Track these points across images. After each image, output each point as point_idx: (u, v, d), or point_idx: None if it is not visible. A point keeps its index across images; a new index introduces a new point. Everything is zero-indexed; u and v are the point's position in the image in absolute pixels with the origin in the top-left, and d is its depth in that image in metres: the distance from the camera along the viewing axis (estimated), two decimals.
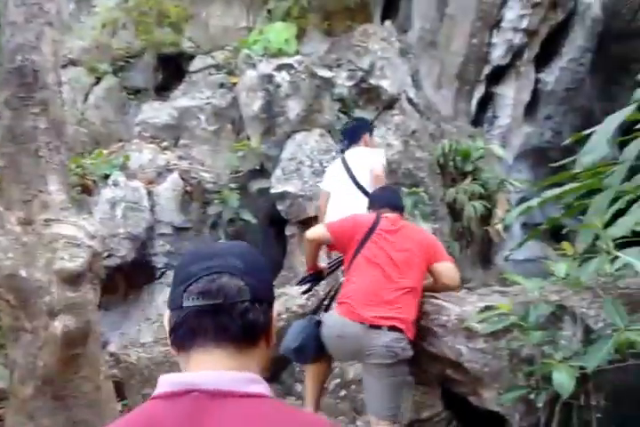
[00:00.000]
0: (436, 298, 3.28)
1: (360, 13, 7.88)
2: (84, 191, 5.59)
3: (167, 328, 1.12)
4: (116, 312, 5.73)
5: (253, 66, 6.08)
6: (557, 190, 3.13)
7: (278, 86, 5.94)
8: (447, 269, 3.44)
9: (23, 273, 3.03)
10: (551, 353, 2.63)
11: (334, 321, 3.29)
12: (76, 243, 3.31)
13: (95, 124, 6.92)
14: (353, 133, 5.07)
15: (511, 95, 8.62)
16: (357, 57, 6.87)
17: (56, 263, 3.06)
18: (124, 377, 4.31)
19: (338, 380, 4.41)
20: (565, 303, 2.88)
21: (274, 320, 1.16)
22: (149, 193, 5.82)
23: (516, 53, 8.42)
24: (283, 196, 5.63)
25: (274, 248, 6.31)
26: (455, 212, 6.74)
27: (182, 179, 5.95)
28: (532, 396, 2.61)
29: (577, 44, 8.58)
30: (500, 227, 6.82)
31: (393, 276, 3.28)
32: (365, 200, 4.29)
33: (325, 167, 5.61)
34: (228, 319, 1.07)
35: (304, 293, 4.14)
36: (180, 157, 6.21)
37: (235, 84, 6.44)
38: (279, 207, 5.70)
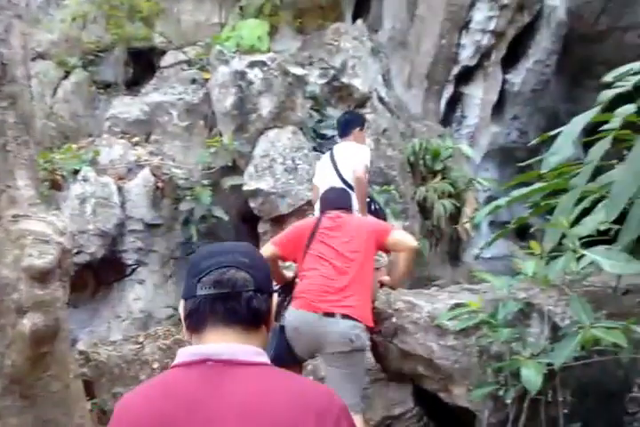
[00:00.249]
0: (408, 296, 3.34)
1: (331, 12, 7.91)
2: (53, 187, 5.50)
3: (182, 315, 1.32)
4: (85, 310, 5.66)
5: (226, 62, 6.05)
6: (524, 190, 3.19)
7: (251, 83, 5.93)
8: (399, 236, 3.59)
9: None
10: (519, 350, 2.69)
11: (291, 315, 3.41)
12: (45, 239, 3.27)
13: (64, 118, 6.81)
14: (344, 127, 5.09)
15: (479, 95, 8.74)
16: (329, 55, 6.90)
17: (24, 260, 3.01)
18: (94, 376, 4.26)
19: (311, 377, 4.44)
20: (533, 301, 2.95)
21: (272, 309, 1.35)
22: (120, 189, 5.74)
23: (484, 54, 8.55)
24: (255, 193, 5.62)
25: None
26: (425, 210, 6.82)
27: (153, 175, 5.89)
28: (500, 392, 2.67)
29: (542, 46, 8.74)
30: (468, 225, 6.92)
31: (341, 267, 3.41)
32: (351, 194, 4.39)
33: (298, 165, 5.65)
34: (237, 305, 1.28)
35: (279, 304, 4.18)
36: (152, 153, 6.15)
37: (207, 80, 6.40)
38: (252, 204, 5.69)
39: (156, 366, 4.34)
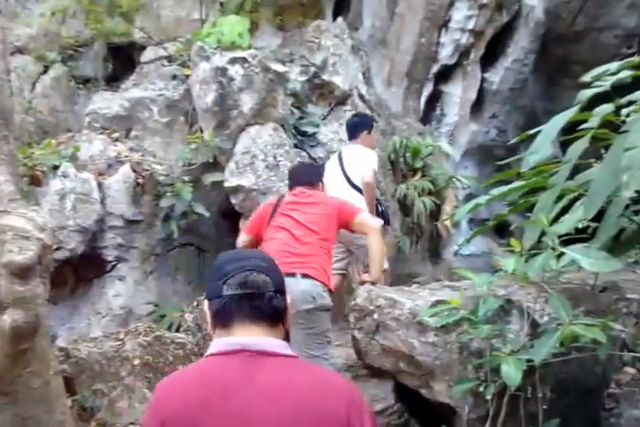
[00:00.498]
0: (390, 292, 3.37)
1: (312, 9, 7.91)
2: (32, 182, 5.45)
3: (208, 313, 1.51)
4: (65, 306, 5.62)
5: (207, 58, 6.02)
6: (504, 188, 3.23)
7: (232, 79, 5.90)
8: (365, 217, 3.87)
9: None
10: (499, 346, 2.72)
11: None
12: (26, 235, 3.24)
13: (43, 113, 6.73)
14: (353, 130, 5.28)
15: (458, 94, 8.81)
16: (310, 53, 6.90)
17: (4, 256, 2.98)
18: (74, 372, 4.23)
19: None
20: (512, 298, 2.99)
21: (289, 308, 1.53)
22: (100, 185, 5.70)
23: (463, 53, 8.61)
24: (236, 189, 5.61)
25: (227, 242, 6.30)
26: (406, 207, 6.86)
27: (134, 171, 5.85)
28: (481, 388, 2.70)
29: (521, 45, 8.83)
30: (448, 222, 6.98)
31: (300, 234, 3.64)
32: (357, 196, 4.80)
33: (279, 162, 5.65)
34: (261, 304, 1.46)
35: None
36: (132, 149, 6.10)
37: (188, 76, 6.37)
38: (233, 201, 5.68)
39: (136, 362, 4.32)
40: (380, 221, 4.06)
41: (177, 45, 6.94)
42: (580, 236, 3.00)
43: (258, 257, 1.55)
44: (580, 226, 3.22)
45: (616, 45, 9.17)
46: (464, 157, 9.05)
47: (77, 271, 5.75)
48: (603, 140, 2.98)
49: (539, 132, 3.00)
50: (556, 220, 2.82)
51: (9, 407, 3.20)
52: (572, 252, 2.59)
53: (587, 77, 3.00)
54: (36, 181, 5.49)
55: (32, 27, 7.15)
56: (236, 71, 5.92)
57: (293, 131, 6.17)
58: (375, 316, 3.21)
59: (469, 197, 7.30)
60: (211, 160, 5.92)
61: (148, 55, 6.99)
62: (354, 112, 6.64)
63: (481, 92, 8.91)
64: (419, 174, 7.08)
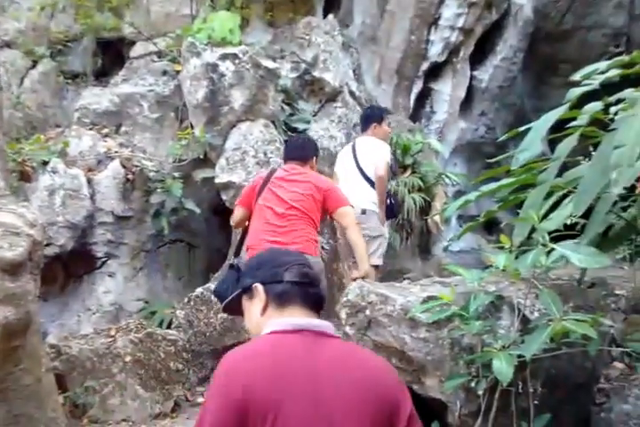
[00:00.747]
0: (381, 288, 3.38)
1: (302, 6, 7.90)
2: (22, 178, 5.41)
3: (262, 295, 1.68)
4: (54, 303, 5.59)
5: (197, 54, 6.00)
6: (494, 184, 3.25)
7: (222, 76, 5.90)
8: (349, 211, 4.00)
9: None
10: (491, 342, 2.74)
11: (243, 255, 3.88)
12: (16, 231, 3.23)
13: (31, 108, 6.68)
14: (364, 122, 5.43)
15: (448, 91, 8.84)
16: (301, 49, 6.90)
17: None
18: (66, 369, 4.22)
19: None
20: (503, 294, 3.01)
21: None
22: (89, 181, 5.67)
23: (453, 51, 8.65)
24: (227, 186, 5.61)
25: (218, 238, 6.31)
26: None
27: (124, 167, 5.83)
28: (472, 384, 2.72)
29: (510, 43, 8.88)
30: (438, 219, 7.02)
31: (283, 212, 3.85)
32: (368, 188, 4.99)
33: (270, 158, 5.66)
34: (315, 292, 1.71)
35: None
36: (122, 145, 6.08)
37: (178, 71, 6.35)
38: (223, 197, 5.67)
39: (128, 359, 4.32)
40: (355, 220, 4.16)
41: (167, 41, 6.92)
42: (568, 232, 3.03)
43: (299, 254, 1.94)
44: (568, 222, 3.25)
45: (604, 44, 9.25)
46: (453, 154, 9.09)
47: (67, 268, 5.72)
48: (591, 137, 3.01)
49: (528, 129, 3.01)
50: (545, 216, 2.84)
51: (0, 405, 3.19)
52: (563, 248, 2.61)
53: (577, 76, 3.02)
54: (25, 177, 5.45)
55: (21, 21, 7.10)
56: (226, 67, 5.91)
57: (284, 127, 6.18)
58: (367, 312, 3.22)
59: (458, 194, 7.33)
60: (201, 156, 5.91)
61: (137, 50, 6.96)
62: (344, 109, 6.68)
63: (470, 90, 8.95)
64: (409, 171, 7.10)
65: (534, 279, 2.86)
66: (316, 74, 6.75)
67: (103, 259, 5.80)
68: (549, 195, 2.96)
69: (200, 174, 5.91)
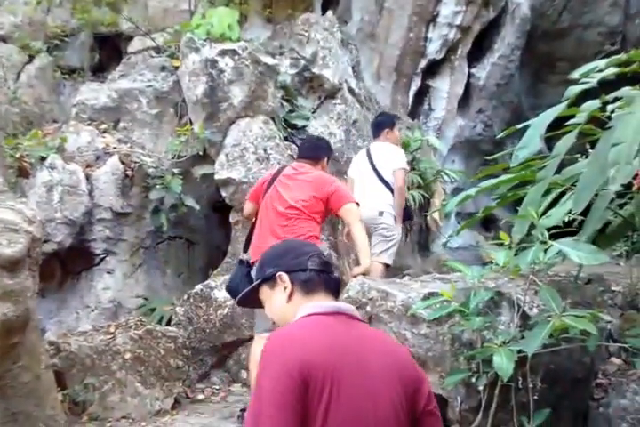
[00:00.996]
0: (382, 285, 3.40)
1: (301, 2, 7.90)
2: (20, 174, 5.38)
3: (289, 282, 1.77)
4: (53, 300, 5.56)
5: (196, 50, 5.98)
6: (493, 181, 3.28)
7: (222, 72, 5.88)
8: (353, 208, 4.05)
9: None
10: (491, 338, 2.76)
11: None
12: (14, 228, 3.23)
13: (28, 103, 6.63)
14: (375, 129, 5.64)
15: (446, 89, 8.87)
16: (300, 46, 6.89)
17: None
18: (65, 366, 4.21)
19: None
20: (502, 290, 3.03)
21: None
22: (88, 177, 5.63)
23: (451, 48, 8.67)
24: (227, 182, 5.59)
25: (217, 235, 6.31)
26: None
27: (122, 163, 5.79)
28: (473, 379, 2.74)
29: (507, 41, 8.91)
30: (437, 215, 7.04)
31: (283, 211, 3.93)
32: (385, 191, 5.16)
33: (270, 154, 5.65)
34: (335, 279, 1.83)
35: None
36: (120, 141, 6.05)
37: (177, 67, 6.33)
38: (223, 194, 5.65)
39: (127, 356, 4.32)
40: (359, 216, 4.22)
41: (165, 36, 6.89)
42: (566, 229, 3.05)
43: (316, 245, 2.16)
44: (565, 219, 3.27)
45: (600, 42, 9.30)
46: (451, 151, 9.12)
47: (65, 264, 5.70)
48: (589, 135, 3.03)
49: (525, 127, 3.03)
50: (543, 213, 2.86)
51: None
52: (562, 245, 2.63)
53: (575, 74, 3.04)
54: (23, 173, 5.42)
55: (17, 15, 7.05)
56: (225, 63, 5.90)
57: (283, 124, 6.17)
58: (368, 308, 3.24)
59: (457, 191, 7.36)
60: (200, 152, 5.89)
61: (135, 46, 6.93)
62: (343, 105, 6.69)
63: (468, 88, 8.97)
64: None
65: (533, 276, 2.88)
66: (315, 70, 6.74)
67: (102, 255, 5.77)
68: (548, 192, 2.98)
69: (199, 171, 5.89)
